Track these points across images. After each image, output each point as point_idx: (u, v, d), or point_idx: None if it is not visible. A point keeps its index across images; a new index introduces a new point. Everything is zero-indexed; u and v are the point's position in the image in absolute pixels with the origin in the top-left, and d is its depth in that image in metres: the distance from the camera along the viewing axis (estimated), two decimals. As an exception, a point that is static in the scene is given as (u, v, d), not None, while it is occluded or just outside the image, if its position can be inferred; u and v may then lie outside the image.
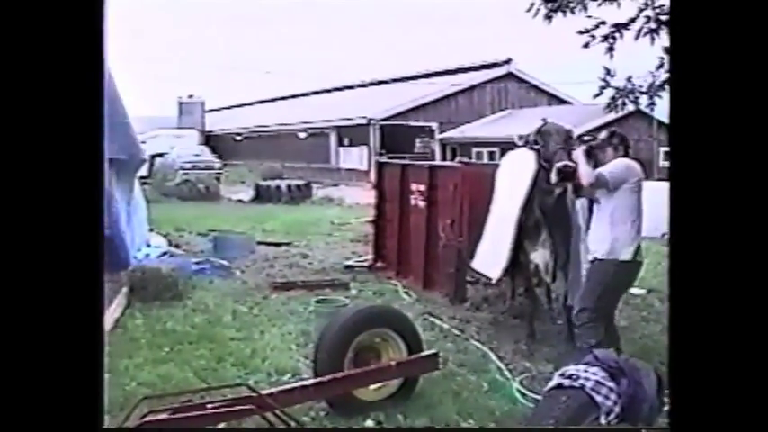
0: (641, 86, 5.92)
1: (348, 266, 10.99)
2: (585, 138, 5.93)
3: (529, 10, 5.50)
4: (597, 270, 5.70)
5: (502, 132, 30.57)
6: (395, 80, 43.02)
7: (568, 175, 5.72)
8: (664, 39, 5.64)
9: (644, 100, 6.01)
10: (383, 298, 8.94)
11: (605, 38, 5.60)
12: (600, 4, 5.33)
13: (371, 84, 45.47)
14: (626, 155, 5.73)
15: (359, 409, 5.10)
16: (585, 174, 5.60)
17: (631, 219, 5.58)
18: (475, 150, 31.09)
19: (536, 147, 6.19)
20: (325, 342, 5.16)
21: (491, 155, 29.26)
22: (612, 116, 23.95)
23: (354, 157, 34.79)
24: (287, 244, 13.15)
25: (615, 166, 5.68)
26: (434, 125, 34.26)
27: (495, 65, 36.30)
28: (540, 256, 6.68)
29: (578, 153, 5.73)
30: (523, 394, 5.63)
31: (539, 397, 5.45)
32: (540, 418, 3.58)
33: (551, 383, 3.71)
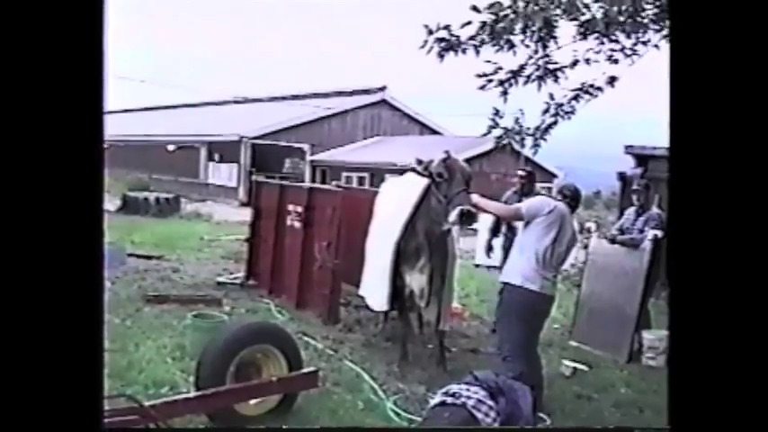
0: (528, 129, 6.25)
1: (220, 283, 10.94)
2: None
3: (422, 47, 5.73)
4: (506, 298, 5.92)
5: (372, 158, 31.09)
6: (269, 99, 42.95)
7: (471, 219, 5.97)
8: (550, 86, 6.05)
9: (529, 141, 6.33)
10: (256, 316, 8.96)
11: (501, 82, 5.91)
12: (498, 50, 5.62)
13: (245, 101, 45.16)
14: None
15: (238, 423, 5.18)
16: (503, 210, 6.24)
17: (540, 249, 5.76)
18: (345, 174, 31.34)
19: (439, 179, 6.28)
20: (209, 355, 5.21)
21: (360, 180, 29.63)
22: (481, 149, 25.07)
23: (224, 174, 34.40)
24: (158, 257, 12.95)
25: (532, 199, 6.22)
26: (306, 147, 34.33)
27: (369, 91, 36.85)
28: (416, 280, 6.89)
29: (476, 196, 6.06)
30: (397, 414, 5.83)
31: (413, 417, 5.71)
32: (424, 434, 3.81)
33: (435, 401, 3.93)
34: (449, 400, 3.83)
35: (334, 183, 13.76)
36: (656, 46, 5.63)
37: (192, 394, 5.02)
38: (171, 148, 37.48)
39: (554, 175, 32.54)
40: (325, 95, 38.26)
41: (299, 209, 9.75)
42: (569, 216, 6.00)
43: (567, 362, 7.68)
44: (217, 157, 35.08)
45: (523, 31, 5.38)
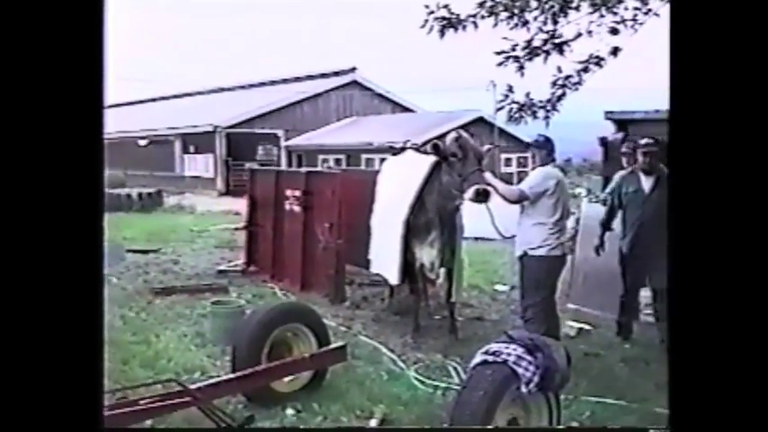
0: (541, 101, 6.49)
1: (221, 271, 11.13)
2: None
3: (423, 26, 5.98)
4: (529, 267, 6.34)
5: (347, 139, 31.22)
6: (241, 87, 42.83)
7: (486, 196, 6.22)
8: (556, 59, 6.29)
9: (541, 114, 6.58)
10: (263, 300, 9.17)
11: (517, 58, 6.15)
12: (512, 28, 5.87)
13: (216, 90, 44.95)
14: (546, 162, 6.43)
15: (274, 401, 5.42)
16: (509, 193, 6.32)
17: (553, 220, 6.22)
18: (321, 157, 31.47)
19: (453, 158, 6.55)
20: (244, 338, 5.44)
21: (337, 161, 29.77)
22: (453, 124, 25.27)
23: (200, 165, 34.36)
24: (155, 251, 13.10)
25: (533, 178, 6.40)
26: (280, 132, 34.34)
27: (339, 73, 36.89)
28: (427, 254, 7.17)
29: (488, 175, 6.36)
30: (422, 381, 6.09)
31: (438, 383, 5.99)
32: (470, 391, 4.03)
33: (475, 360, 4.17)
34: (489, 358, 4.08)
35: (326, 166, 13.94)
36: (656, 14, 5.91)
37: (233, 375, 5.23)
38: (143, 142, 37.30)
39: (528, 145, 32.74)
40: (297, 80, 38.28)
41: (298, 193, 9.95)
42: (564, 178, 6.48)
43: (570, 322, 7.96)
44: (192, 148, 35.01)
45: (539, 9, 5.62)
